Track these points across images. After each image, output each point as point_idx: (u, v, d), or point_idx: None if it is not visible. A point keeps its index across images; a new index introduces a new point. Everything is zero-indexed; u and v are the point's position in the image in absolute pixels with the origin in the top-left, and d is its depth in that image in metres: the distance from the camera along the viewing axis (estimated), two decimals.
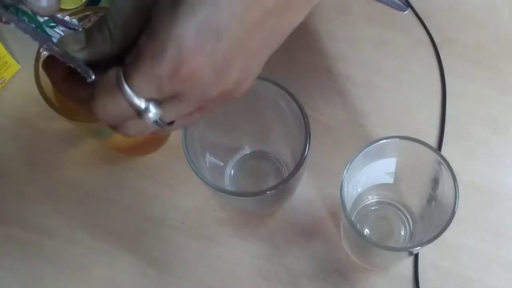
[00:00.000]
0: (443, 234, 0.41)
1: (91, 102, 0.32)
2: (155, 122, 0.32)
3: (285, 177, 0.44)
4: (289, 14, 0.32)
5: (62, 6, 0.61)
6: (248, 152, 0.56)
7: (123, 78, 0.30)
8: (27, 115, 0.59)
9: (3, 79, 0.59)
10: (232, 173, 0.55)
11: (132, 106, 0.31)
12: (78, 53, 0.32)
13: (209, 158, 0.51)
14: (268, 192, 0.43)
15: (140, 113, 0.31)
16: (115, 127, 0.34)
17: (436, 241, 0.42)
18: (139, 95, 0.31)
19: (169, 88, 0.31)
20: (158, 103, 0.32)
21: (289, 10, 0.32)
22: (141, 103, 0.31)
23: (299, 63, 0.60)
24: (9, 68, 0.59)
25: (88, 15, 0.48)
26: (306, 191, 0.54)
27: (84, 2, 0.61)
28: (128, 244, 0.54)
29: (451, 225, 0.41)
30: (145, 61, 0.30)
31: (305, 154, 0.43)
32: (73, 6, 0.61)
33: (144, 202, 0.55)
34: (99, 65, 0.33)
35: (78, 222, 0.55)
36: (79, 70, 0.32)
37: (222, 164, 0.54)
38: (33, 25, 0.33)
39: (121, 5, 0.31)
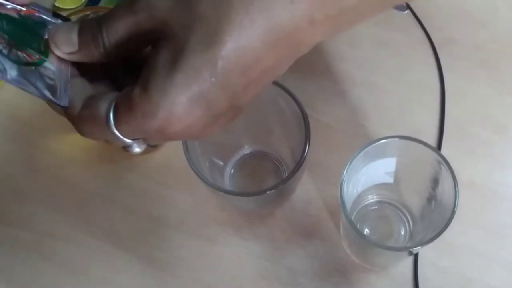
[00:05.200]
0: (443, 234, 0.41)
1: (76, 122, 0.33)
2: None
3: (285, 177, 0.44)
4: (280, 68, 0.35)
5: (62, 6, 0.61)
6: (248, 152, 0.56)
7: (112, 122, 0.32)
8: (26, 114, 0.59)
9: None
10: (232, 173, 0.55)
11: (119, 142, 0.33)
12: (67, 55, 0.33)
13: (209, 158, 0.51)
14: (268, 192, 0.43)
15: (125, 147, 0.34)
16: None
17: (436, 241, 0.42)
18: (125, 136, 0.33)
19: (154, 138, 0.33)
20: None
21: (279, 66, 0.35)
22: (127, 141, 0.33)
23: (299, 63, 0.59)
24: None
25: (88, 15, 0.49)
26: (306, 191, 0.54)
27: (84, 2, 0.62)
28: (128, 244, 0.54)
29: (451, 225, 0.41)
30: (136, 116, 0.31)
31: (305, 154, 0.43)
32: (73, 6, 0.61)
33: (144, 202, 0.55)
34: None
35: (78, 222, 0.55)
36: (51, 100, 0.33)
37: (222, 164, 0.54)
38: None
39: (118, 25, 0.32)
